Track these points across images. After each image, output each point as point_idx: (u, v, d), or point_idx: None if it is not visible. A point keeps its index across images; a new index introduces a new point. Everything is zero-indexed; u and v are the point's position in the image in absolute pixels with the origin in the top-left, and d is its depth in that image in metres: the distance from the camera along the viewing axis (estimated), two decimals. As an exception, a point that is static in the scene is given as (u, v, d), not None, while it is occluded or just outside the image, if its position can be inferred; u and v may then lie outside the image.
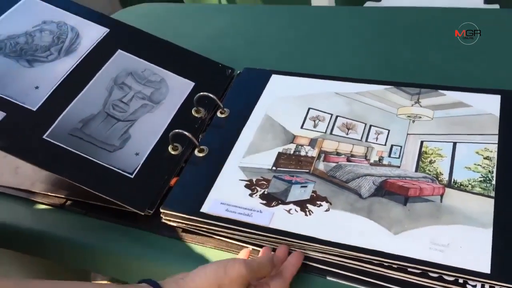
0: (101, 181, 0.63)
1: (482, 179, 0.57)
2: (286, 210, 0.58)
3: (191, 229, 0.61)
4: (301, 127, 0.68)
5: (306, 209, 0.58)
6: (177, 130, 0.66)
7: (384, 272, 0.52)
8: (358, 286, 0.53)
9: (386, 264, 0.52)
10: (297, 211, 0.58)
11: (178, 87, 0.74)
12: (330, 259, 0.54)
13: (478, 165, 0.58)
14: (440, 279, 0.51)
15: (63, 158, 0.64)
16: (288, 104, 0.72)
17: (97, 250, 0.64)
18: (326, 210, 0.57)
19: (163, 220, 0.62)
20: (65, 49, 0.72)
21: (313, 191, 0.60)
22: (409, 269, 0.51)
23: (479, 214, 0.54)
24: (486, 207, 0.54)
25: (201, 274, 0.49)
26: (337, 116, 0.69)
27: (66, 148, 0.64)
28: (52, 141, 0.64)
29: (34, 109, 0.66)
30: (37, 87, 0.68)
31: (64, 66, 0.71)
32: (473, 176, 0.58)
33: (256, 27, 0.97)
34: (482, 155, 0.59)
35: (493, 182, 0.56)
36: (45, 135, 0.64)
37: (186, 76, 0.76)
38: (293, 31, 0.94)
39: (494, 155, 0.59)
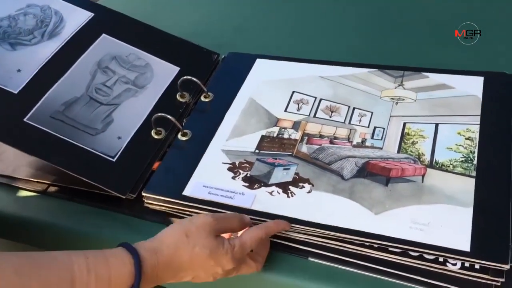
0: (82, 164, 0.63)
1: (463, 159, 0.57)
2: (268, 192, 0.58)
3: (174, 213, 0.60)
4: (285, 110, 0.68)
5: (289, 191, 0.58)
6: (159, 114, 0.66)
7: (366, 252, 0.52)
8: (340, 267, 0.53)
9: (368, 244, 0.52)
10: (279, 193, 0.58)
11: (163, 72, 0.74)
12: (312, 240, 0.54)
13: (460, 145, 0.58)
14: (420, 257, 0.51)
15: (44, 141, 0.63)
16: (272, 88, 0.71)
17: (81, 236, 0.63)
18: (308, 192, 0.57)
19: (146, 204, 0.62)
20: (48, 33, 0.72)
21: (296, 173, 0.60)
22: (390, 249, 0.52)
23: (460, 193, 0.54)
24: (467, 186, 0.54)
25: (168, 228, 0.51)
26: (321, 99, 0.69)
27: (47, 131, 0.64)
28: (33, 124, 0.63)
29: (16, 92, 0.65)
30: (19, 70, 0.67)
31: (47, 49, 0.70)
32: (455, 156, 0.58)
33: (242, 12, 0.96)
34: (464, 135, 0.59)
35: (475, 162, 0.56)
36: (26, 118, 0.64)
37: (171, 61, 0.75)
38: (279, 16, 0.93)
39: (476, 135, 0.59)
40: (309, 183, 0.58)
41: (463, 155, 0.58)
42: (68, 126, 0.65)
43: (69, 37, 0.72)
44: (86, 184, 0.62)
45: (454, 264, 0.50)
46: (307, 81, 0.71)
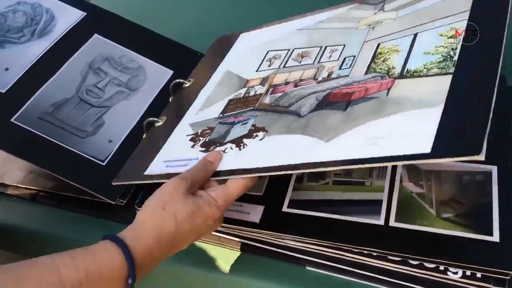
0: (70, 168, 0.60)
1: (441, 59, 0.48)
2: (222, 151, 0.53)
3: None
4: (256, 71, 0.63)
5: (241, 144, 0.53)
6: (151, 118, 0.63)
7: (364, 260, 0.50)
8: (338, 275, 0.51)
9: (366, 252, 0.49)
10: (232, 149, 0.53)
11: (156, 75, 0.71)
12: (308, 248, 0.52)
13: (440, 46, 0.49)
14: (420, 266, 0.47)
15: (31, 142, 0.61)
16: (249, 55, 0.67)
17: (70, 243, 0.59)
18: (261, 139, 0.52)
19: (137, 211, 0.59)
20: (38, 31, 0.71)
21: (253, 125, 0.54)
22: (389, 257, 0.48)
23: (429, 94, 0.46)
24: (440, 86, 0.46)
25: (144, 209, 0.49)
26: (293, 49, 0.62)
27: (35, 132, 0.62)
28: (20, 124, 0.62)
29: (3, 91, 0.64)
30: (7, 69, 0.66)
31: (37, 48, 0.69)
32: (431, 59, 0.49)
33: (235, 13, 0.93)
34: (447, 35, 0.50)
35: (455, 58, 0.47)
36: (13, 118, 0.62)
37: (165, 64, 0.72)
38: (273, 17, 0.91)
39: (461, 31, 0.50)
40: (263, 131, 0.52)
41: (441, 55, 0.48)
42: (57, 128, 0.63)
43: (60, 36, 0.71)
44: (76, 190, 0.59)
45: (455, 273, 0.47)
46: (284, 38, 0.65)
